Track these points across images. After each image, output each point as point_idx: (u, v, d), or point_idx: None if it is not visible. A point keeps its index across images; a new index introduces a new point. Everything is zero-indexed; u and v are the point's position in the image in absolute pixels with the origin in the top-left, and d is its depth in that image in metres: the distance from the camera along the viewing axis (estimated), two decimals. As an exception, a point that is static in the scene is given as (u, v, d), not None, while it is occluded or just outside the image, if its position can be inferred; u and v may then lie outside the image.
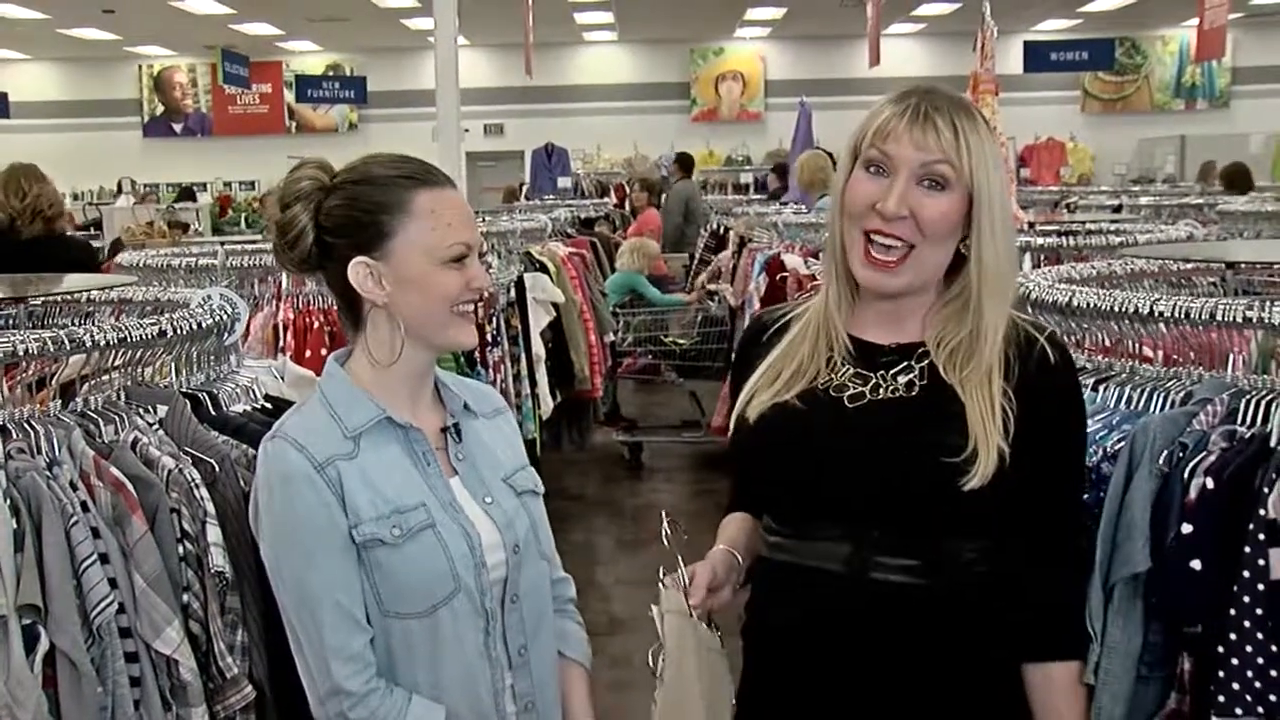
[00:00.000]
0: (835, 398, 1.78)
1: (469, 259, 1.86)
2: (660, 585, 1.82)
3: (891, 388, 1.76)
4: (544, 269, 6.03)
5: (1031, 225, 4.90)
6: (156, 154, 20.36)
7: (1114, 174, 18.71)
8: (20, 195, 5.11)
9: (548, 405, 5.49)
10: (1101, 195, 11.88)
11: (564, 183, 15.51)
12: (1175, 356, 2.11)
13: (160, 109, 20.86)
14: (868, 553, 1.72)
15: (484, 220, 7.51)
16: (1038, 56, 14.21)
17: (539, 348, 5.39)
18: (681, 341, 8.14)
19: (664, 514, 1.92)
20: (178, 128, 20.88)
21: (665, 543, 1.82)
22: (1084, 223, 5.36)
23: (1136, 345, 2.22)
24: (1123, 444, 1.88)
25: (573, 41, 19.82)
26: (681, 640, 1.78)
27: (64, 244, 5.21)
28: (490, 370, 4.66)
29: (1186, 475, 1.76)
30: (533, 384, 5.28)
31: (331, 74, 19.14)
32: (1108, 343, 2.26)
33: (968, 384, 1.70)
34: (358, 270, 1.83)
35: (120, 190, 17.80)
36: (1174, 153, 18.90)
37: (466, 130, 10.37)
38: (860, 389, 1.77)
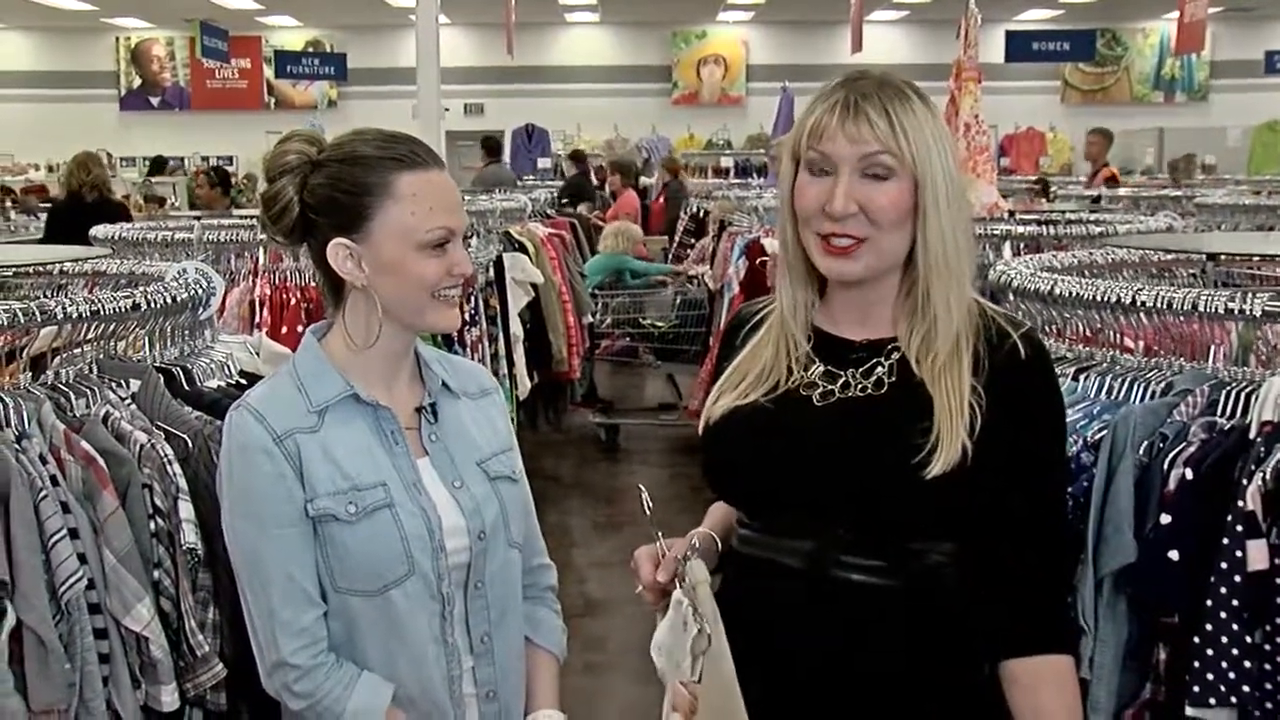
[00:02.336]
0: (805, 396, 1.75)
1: (451, 244, 1.83)
2: (687, 557, 1.75)
3: (861, 386, 1.73)
4: (523, 249, 6.00)
5: (1012, 214, 4.89)
6: (133, 127, 20.18)
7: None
8: (86, 172, 7.73)
9: (525, 386, 5.46)
10: (1080, 185, 11.92)
11: (544, 163, 15.45)
12: (1155, 347, 2.11)
13: (138, 81, 20.66)
14: (831, 551, 1.69)
15: (464, 200, 7.48)
16: (1019, 46, 14.24)
17: (517, 328, 5.37)
18: (660, 324, 8.12)
19: (639, 487, 1.86)
20: (155, 101, 20.69)
21: (646, 513, 1.79)
22: (1064, 212, 5.36)
23: (1117, 335, 2.22)
24: (1103, 434, 1.88)
25: (554, 22, 19.73)
26: (715, 608, 1.70)
27: (110, 206, 7.72)
28: (468, 350, 4.63)
29: (1166, 466, 1.76)
30: (510, 365, 5.26)
31: (311, 50, 18.98)
32: (1088, 332, 2.26)
33: (936, 377, 1.67)
34: (336, 251, 1.81)
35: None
36: (1152, 145, 18.97)
37: (447, 109, 10.31)
38: (830, 387, 1.74)
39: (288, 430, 1.79)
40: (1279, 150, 18.53)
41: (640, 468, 7.64)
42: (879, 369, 1.73)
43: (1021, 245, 4.38)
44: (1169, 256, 2.86)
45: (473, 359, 4.71)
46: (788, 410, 1.74)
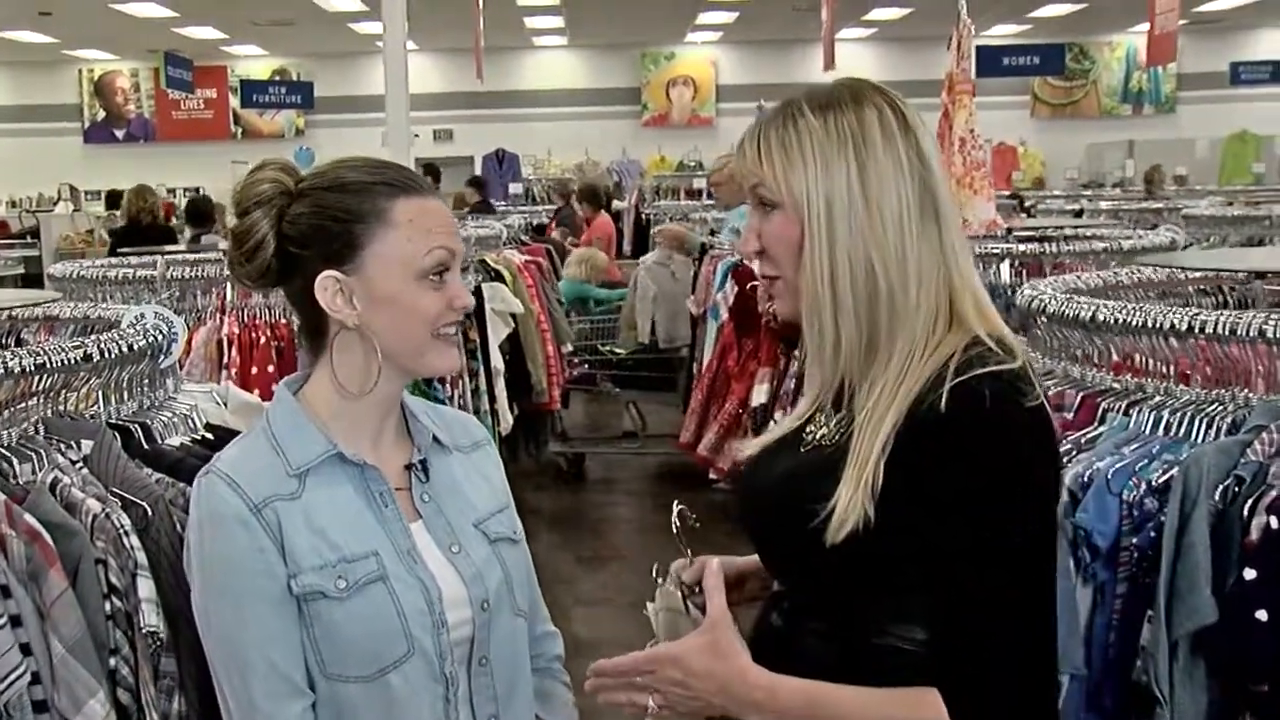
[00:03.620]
0: (803, 439, 1.61)
1: (450, 273, 1.65)
2: (657, 582, 1.73)
3: (827, 435, 1.57)
4: (500, 277, 5.81)
5: (1010, 231, 4.74)
6: (98, 160, 19.96)
7: (1066, 178, 18.82)
8: (143, 201, 9.28)
9: (507, 422, 5.27)
10: (1059, 199, 11.85)
11: (515, 189, 15.29)
12: (1192, 374, 1.92)
13: (101, 114, 20.47)
14: (782, 604, 1.61)
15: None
16: (989, 61, 14.26)
17: (498, 361, 5.17)
18: (619, 350, 7.97)
19: (675, 504, 1.77)
20: (120, 133, 20.50)
21: (675, 534, 1.73)
22: (1060, 228, 5.21)
23: (1142, 361, 2.05)
24: (1168, 477, 1.69)
25: (522, 46, 19.64)
26: (675, 635, 1.68)
27: (162, 229, 9.34)
28: (448, 385, 4.43)
29: (1246, 512, 1.57)
30: (491, 400, 5.06)
31: (278, 79, 18.86)
32: (1116, 358, 2.09)
33: (858, 430, 1.48)
34: (326, 286, 1.62)
35: (59, 197, 17.38)
36: (1124, 157, 19.05)
37: (416, 136, 10.16)
38: (817, 432, 1.59)
39: (265, 498, 1.59)
40: (1248, 161, 18.67)
41: (624, 499, 7.46)
42: (846, 418, 1.55)
43: (1019, 264, 4.23)
44: (1195, 275, 2.69)
45: (453, 395, 4.51)
46: (779, 454, 1.64)
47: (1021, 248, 4.27)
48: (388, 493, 1.67)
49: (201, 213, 11.07)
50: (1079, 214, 9.56)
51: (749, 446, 1.70)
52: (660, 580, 1.73)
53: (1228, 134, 19.07)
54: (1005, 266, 4.23)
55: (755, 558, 1.75)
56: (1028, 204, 11.03)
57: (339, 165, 1.68)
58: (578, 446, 7.91)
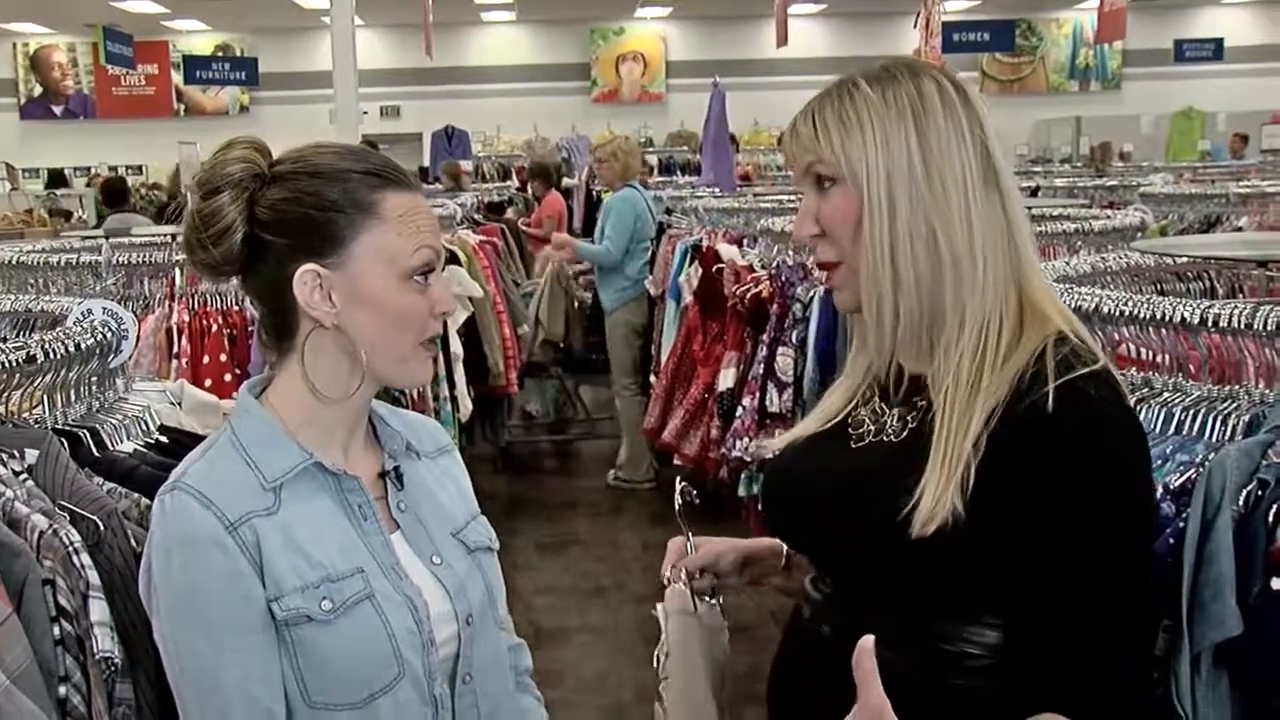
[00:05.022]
0: (849, 435, 1.55)
1: (434, 275, 1.54)
2: (665, 582, 1.72)
3: (892, 428, 1.50)
4: (455, 260, 5.67)
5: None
6: (35, 137, 19.57)
7: (1016, 154, 18.89)
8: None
9: (467, 408, 5.14)
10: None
11: (465, 166, 15.08)
12: (1185, 365, 1.85)
13: (38, 90, 20.05)
14: (836, 607, 1.53)
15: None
16: (941, 37, 14.20)
17: (457, 346, 5.04)
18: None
19: (678, 480, 1.82)
20: (58, 110, 20.10)
21: (677, 512, 1.75)
22: (1029, 209, 5.13)
23: (1137, 351, 1.98)
24: (1186, 479, 1.61)
25: (470, 21, 19.43)
26: (686, 637, 1.70)
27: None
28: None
29: (1271, 518, 1.49)
30: (451, 386, 4.94)
31: (221, 55, 18.53)
32: (1106, 348, 2.01)
33: (941, 423, 1.41)
34: (306, 280, 1.49)
35: (-4, 175, 16.98)
36: (1071, 133, 19.19)
37: (365, 113, 9.98)
38: (869, 426, 1.53)
39: (242, 515, 1.46)
40: (1194, 137, 18.86)
41: (584, 483, 7.36)
42: (913, 409, 1.49)
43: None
44: (1181, 260, 2.62)
45: (412, 382, 4.38)
46: (826, 449, 1.56)
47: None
48: (367, 504, 1.56)
49: (116, 191, 10.88)
50: (1035, 192, 9.55)
51: (775, 442, 1.64)
52: (668, 581, 1.71)
53: (1174, 110, 19.25)
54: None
55: (757, 540, 1.74)
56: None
57: (319, 150, 1.55)
58: (502, 435, 7.69)
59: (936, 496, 1.35)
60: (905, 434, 1.48)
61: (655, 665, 1.74)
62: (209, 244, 1.51)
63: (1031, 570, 1.36)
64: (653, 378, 6.06)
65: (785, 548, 1.73)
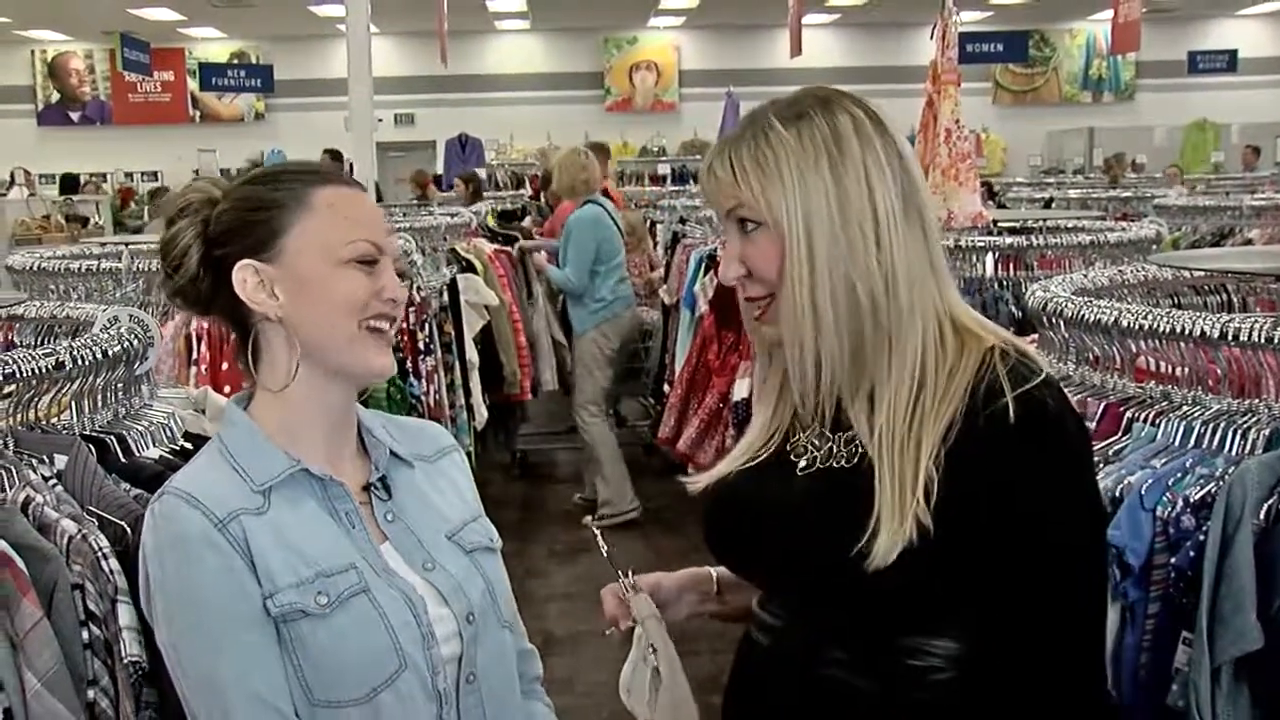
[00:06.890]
0: (793, 463, 1.54)
1: (380, 264, 1.56)
2: (628, 593, 1.69)
3: (840, 455, 1.49)
4: (471, 267, 5.70)
5: (995, 223, 4.67)
6: (52, 143, 19.65)
7: (1029, 165, 18.90)
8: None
9: (482, 416, 5.16)
10: (1026, 187, 11.86)
11: (481, 174, 15.12)
12: (1204, 379, 1.85)
13: (56, 96, 20.13)
14: (796, 634, 1.51)
15: (402, 215, 7.18)
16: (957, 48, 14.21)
17: (473, 354, 5.06)
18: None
19: (592, 528, 1.81)
20: (75, 116, 20.19)
21: (603, 553, 1.73)
22: (1043, 220, 5.15)
23: (1157, 365, 1.99)
24: (1206, 493, 1.62)
25: (485, 30, 19.47)
26: (665, 639, 1.68)
27: None
28: (423, 380, 4.33)
29: (1292, 532, 1.50)
30: (467, 394, 4.96)
31: (236, 62, 18.61)
32: (1125, 361, 2.01)
33: (885, 446, 1.41)
34: (243, 275, 1.52)
35: (13, 181, 17.04)
36: (1084, 144, 19.17)
37: (380, 120, 10.01)
38: (814, 454, 1.52)
39: (230, 513, 1.47)
40: (1207, 150, 18.83)
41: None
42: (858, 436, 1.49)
43: (1005, 258, 4.17)
44: (1198, 274, 2.62)
45: (429, 390, 4.41)
46: (771, 477, 1.55)
47: (1007, 240, 4.20)
48: (353, 512, 1.56)
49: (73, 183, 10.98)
50: (1049, 204, 9.55)
51: (706, 475, 1.62)
52: (629, 592, 1.69)
53: (1187, 122, 19.22)
54: (990, 259, 4.16)
55: (688, 571, 1.73)
56: (995, 191, 11.02)
57: (268, 167, 1.63)
58: (518, 442, 7.64)
59: (893, 531, 1.36)
60: (856, 459, 1.47)
61: (630, 672, 1.71)
62: (171, 271, 1.56)
63: (999, 576, 1.37)
64: (666, 387, 6.08)
65: (715, 574, 1.72)
